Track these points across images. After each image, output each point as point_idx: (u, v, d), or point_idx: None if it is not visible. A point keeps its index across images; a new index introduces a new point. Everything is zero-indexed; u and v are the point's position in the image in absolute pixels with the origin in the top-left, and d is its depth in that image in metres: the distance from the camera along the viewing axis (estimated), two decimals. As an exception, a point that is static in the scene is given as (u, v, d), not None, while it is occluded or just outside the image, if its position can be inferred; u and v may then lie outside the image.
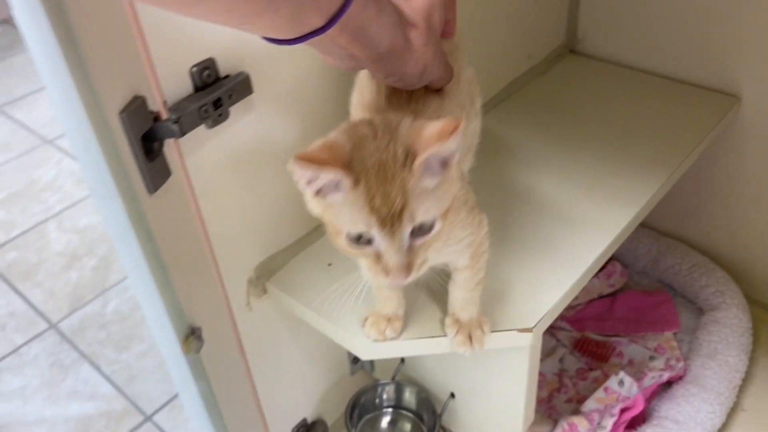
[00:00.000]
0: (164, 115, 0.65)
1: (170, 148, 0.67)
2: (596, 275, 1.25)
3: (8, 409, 1.36)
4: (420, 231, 0.53)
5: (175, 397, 1.36)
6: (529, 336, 0.77)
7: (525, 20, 1.13)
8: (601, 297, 1.26)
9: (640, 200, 0.92)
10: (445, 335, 0.77)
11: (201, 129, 0.70)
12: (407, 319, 0.79)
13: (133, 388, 1.39)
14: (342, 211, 0.52)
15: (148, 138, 0.63)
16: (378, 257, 0.53)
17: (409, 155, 0.51)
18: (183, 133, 0.66)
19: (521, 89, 1.16)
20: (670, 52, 1.15)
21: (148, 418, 1.34)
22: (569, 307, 1.24)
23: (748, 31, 1.05)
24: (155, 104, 0.64)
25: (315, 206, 0.55)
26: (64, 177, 1.95)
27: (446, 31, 0.63)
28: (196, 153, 0.71)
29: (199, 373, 0.78)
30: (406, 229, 0.52)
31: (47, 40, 0.53)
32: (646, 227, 1.32)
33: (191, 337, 0.74)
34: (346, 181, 0.51)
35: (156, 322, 0.71)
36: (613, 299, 1.25)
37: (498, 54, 1.10)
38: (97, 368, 1.43)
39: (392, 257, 0.52)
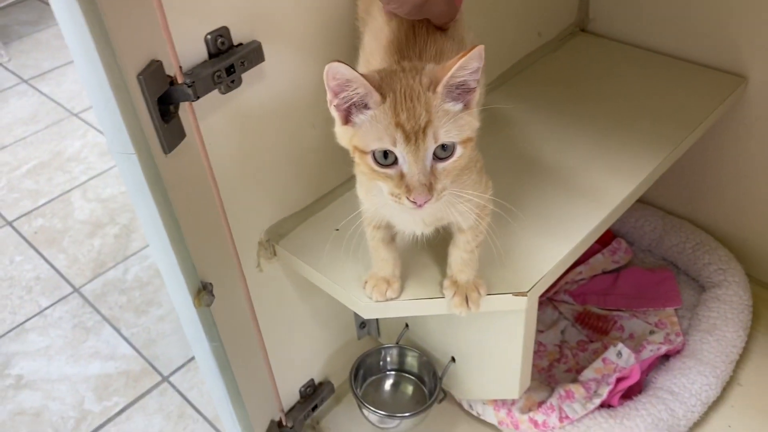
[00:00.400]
0: (180, 80, 0.69)
1: (185, 111, 0.72)
2: (601, 251, 1.28)
3: (33, 367, 1.43)
4: (442, 154, 0.56)
5: (192, 359, 1.41)
6: (523, 300, 0.81)
7: (536, -2, 1.15)
8: (604, 272, 1.29)
9: (640, 174, 0.95)
10: (443, 297, 0.81)
11: (214, 94, 0.74)
12: (408, 280, 0.83)
13: (151, 350, 1.45)
14: (370, 129, 0.56)
15: (164, 101, 0.68)
16: (401, 177, 0.56)
17: (433, 82, 0.55)
18: (197, 97, 0.70)
19: (531, 66, 1.19)
20: (679, 33, 1.16)
21: (165, 379, 1.39)
22: (572, 282, 1.27)
23: (756, 12, 1.06)
24: (171, 69, 0.69)
25: (343, 134, 0.59)
26: (89, 149, 2.01)
27: None
28: (210, 117, 0.75)
29: (210, 327, 0.82)
30: (430, 146, 0.55)
31: (72, 7, 0.57)
32: (653, 206, 1.34)
33: (203, 291, 0.78)
34: (375, 96, 0.54)
35: (170, 276, 0.76)
36: (616, 275, 1.28)
37: (508, 30, 1.13)
38: (118, 330, 1.49)
39: (415, 174, 0.55)
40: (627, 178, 0.94)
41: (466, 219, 0.72)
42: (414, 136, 0.55)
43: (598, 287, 1.26)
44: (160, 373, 1.40)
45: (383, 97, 0.55)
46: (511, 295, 0.81)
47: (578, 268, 1.27)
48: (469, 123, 0.57)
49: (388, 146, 0.56)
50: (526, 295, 0.81)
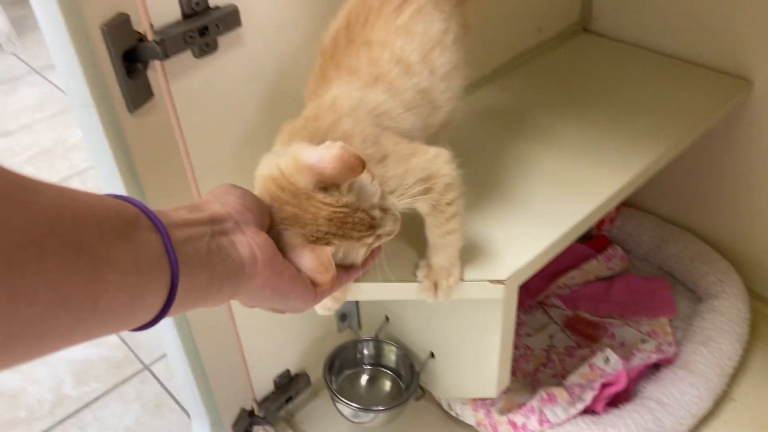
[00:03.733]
0: (150, 37, 0.67)
1: (156, 72, 0.70)
2: (596, 257, 1.25)
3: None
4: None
5: (174, 349, 1.39)
6: (500, 288, 0.77)
7: (537, -7, 1.13)
8: (598, 279, 1.25)
9: (634, 169, 0.91)
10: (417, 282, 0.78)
11: (189, 58, 0.72)
12: (381, 262, 0.80)
13: (135, 339, 1.42)
14: None
15: (131, 57, 0.66)
16: None
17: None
18: (166, 56, 0.68)
19: (529, 62, 1.16)
20: (684, 34, 1.13)
21: (146, 367, 1.37)
22: (564, 286, 1.23)
23: (762, 14, 1.03)
24: (141, 26, 0.67)
25: None
26: (91, 138, 2.01)
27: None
28: (183, 81, 0.73)
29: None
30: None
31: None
32: (651, 213, 1.30)
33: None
34: None
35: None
36: (610, 282, 1.24)
37: (506, 22, 1.10)
38: (104, 316, 1.47)
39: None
40: (619, 173, 0.91)
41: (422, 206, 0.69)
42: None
43: (591, 293, 1.22)
44: (141, 362, 1.38)
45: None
46: (488, 282, 0.77)
47: (571, 273, 1.23)
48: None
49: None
50: (503, 284, 0.77)
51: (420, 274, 0.77)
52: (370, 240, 0.58)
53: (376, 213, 0.57)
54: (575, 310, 1.20)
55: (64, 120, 2.09)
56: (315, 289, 0.57)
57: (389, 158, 0.64)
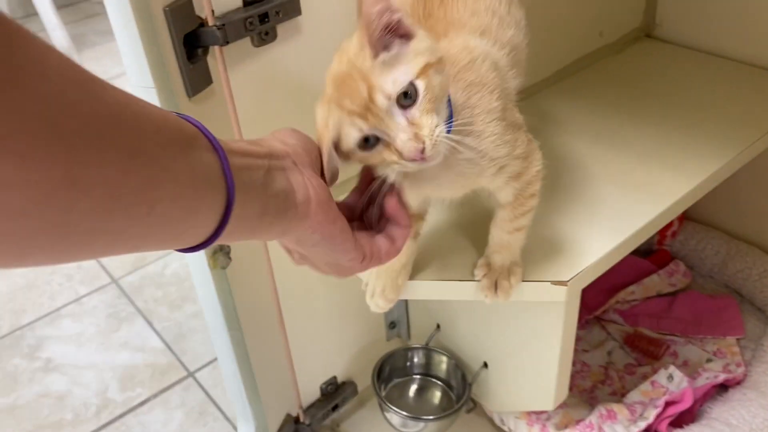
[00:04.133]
0: (210, 22, 0.67)
1: (215, 58, 0.69)
2: (657, 272, 1.19)
3: (63, 351, 1.42)
4: (408, 102, 0.50)
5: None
6: (563, 290, 0.74)
7: (599, -2, 1.10)
8: (659, 295, 1.19)
9: (702, 174, 0.87)
10: (474, 281, 0.75)
11: (247, 45, 0.71)
12: (437, 262, 0.77)
13: (180, 345, 1.42)
14: (343, 134, 0.52)
15: (192, 42, 0.65)
16: (390, 147, 0.52)
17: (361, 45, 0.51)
18: (227, 42, 0.67)
19: (590, 66, 1.13)
20: (750, 38, 1.09)
21: (190, 374, 1.36)
22: (623, 301, 1.18)
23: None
24: (203, 11, 0.66)
25: (344, 161, 0.55)
26: (144, 149, 2.04)
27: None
28: (241, 69, 0.72)
29: (225, 292, 0.78)
30: (383, 105, 0.49)
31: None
32: (716, 228, 1.24)
33: (219, 252, 0.74)
34: (320, 111, 0.52)
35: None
36: (672, 298, 1.18)
37: (567, 25, 1.08)
38: (150, 323, 1.47)
39: (397, 135, 0.50)
40: (687, 177, 0.86)
41: (502, 191, 0.66)
42: (367, 108, 0.50)
43: (652, 309, 1.17)
44: (186, 368, 1.37)
45: (326, 102, 0.52)
46: (549, 283, 0.74)
47: (630, 288, 1.18)
48: (417, 50, 0.51)
49: (355, 134, 0.51)
50: (566, 285, 0.73)
51: (479, 272, 0.73)
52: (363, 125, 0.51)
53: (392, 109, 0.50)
54: (635, 326, 1.15)
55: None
56: (365, 251, 0.55)
57: (503, 121, 0.59)
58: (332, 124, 0.52)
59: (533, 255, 0.76)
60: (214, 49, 0.68)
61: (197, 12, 0.66)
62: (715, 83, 1.07)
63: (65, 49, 2.48)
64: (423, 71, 0.50)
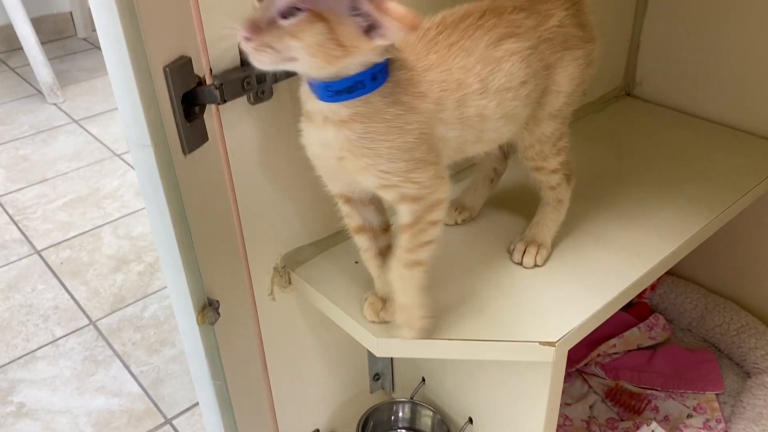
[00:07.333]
0: (208, 81, 0.68)
1: (211, 115, 0.70)
2: (637, 326, 1.21)
3: (37, 396, 1.38)
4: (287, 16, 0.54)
5: (196, 404, 1.35)
6: (551, 351, 0.74)
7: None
8: (640, 348, 1.20)
9: (682, 237, 0.89)
10: (467, 339, 0.75)
11: (243, 103, 0.72)
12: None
13: (158, 391, 1.39)
14: None
15: (189, 100, 0.66)
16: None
17: None
18: (224, 100, 0.68)
19: (572, 124, 1.15)
20: (728, 100, 1.13)
21: (167, 421, 1.33)
22: (605, 354, 1.19)
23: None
24: (201, 70, 0.67)
25: None
26: (125, 188, 2.03)
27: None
28: (237, 127, 0.73)
29: (212, 349, 0.77)
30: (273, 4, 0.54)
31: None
32: (694, 282, 1.26)
33: (208, 308, 0.74)
34: None
35: (175, 285, 0.72)
36: (653, 352, 1.19)
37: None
38: (127, 367, 1.44)
39: (259, 15, 0.55)
40: (669, 238, 0.89)
41: (386, 194, 0.67)
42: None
43: (633, 363, 1.18)
44: (163, 415, 1.34)
45: None
46: (537, 343, 0.74)
47: (611, 341, 1.19)
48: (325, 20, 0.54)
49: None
50: (554, 346, 0.74)
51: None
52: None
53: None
54: (617, 380, 1.15)
55: (100, 169, 2.12)
56: None
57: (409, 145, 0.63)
58: None
59: (520, 314, 0.77)
60: (211, 107, 0.69)
61: (196, 71, 0.67)
62: (694, 143, 1.10)
63: (49, 85, 2.47)
64: (311, 19, 0.54)
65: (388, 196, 0.67)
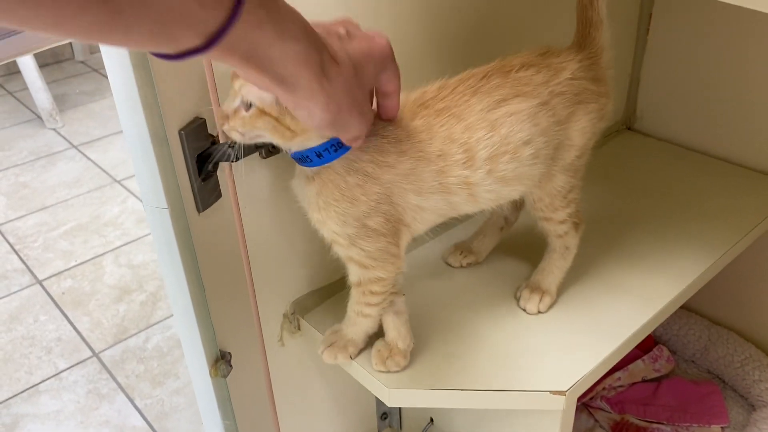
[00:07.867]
0: (222, 139, 0.68)
1: (222, 171, 0.70)
2: (641, 358, 1.21)
3: (41, 430, 1.38)
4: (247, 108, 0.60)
5: (202, 437, 1.35)
6: (561, 400, 0.75)
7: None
8: (644, 381, 1.21)
9: (688, 278, 0.90)
10: (476, 389, 0.76)
11: (255, 157, 0.73)
12: (439, 367, 0.78)
13: (163, 423, 1.39)
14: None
15: (203, 159, 0.67)
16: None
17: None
18: (237, 158, 0.68)
19: (575, 160, 1.16)
20: (729, 135, 1.14)
21: (173, 456, 1.33)
22: (610, 387, 1.20)
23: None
24: (214, 128, 0.68)
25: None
26: (126, 215, 2.03)
27: (386, 105, 0.64)
28: (248, 180, 0.73)
29: (224, 401, 0.78)
30: (237, 97, 0.60)
31: (123, 60, 0.57)
32: (698, 314, 1.27)
33: (221, 361, 0.74)
34: None
35: (188, 340, 0.72)
36: (657, 384, 1.20)
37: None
38: (131, 400, 1.44)
39: (228, 107, 0.61)
40: (674, 280, 0.89)
41: (338, 250, 0.70)
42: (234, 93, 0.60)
43: (638, 396, 1.18)
44: (169, 451, 1.34)
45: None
46: (548, 393, 0.75)
47: (616, 374, 1.20)
48: (260, 98, 0.59)
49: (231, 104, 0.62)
50: (564, 395, 0.75)
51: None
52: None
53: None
54: (622, 413, 1.16)
55: (100, 196, 2.12)
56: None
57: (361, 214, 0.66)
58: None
59: (530, 362, 0.78)
60: (224, 164, 0.70)
61: (209, 130, 0.67)
62: (695, 179, 1.11)
63: (47, 110, 2.48)
64: (260, 113, 0.60)
65: (338, 252, 0.71)
